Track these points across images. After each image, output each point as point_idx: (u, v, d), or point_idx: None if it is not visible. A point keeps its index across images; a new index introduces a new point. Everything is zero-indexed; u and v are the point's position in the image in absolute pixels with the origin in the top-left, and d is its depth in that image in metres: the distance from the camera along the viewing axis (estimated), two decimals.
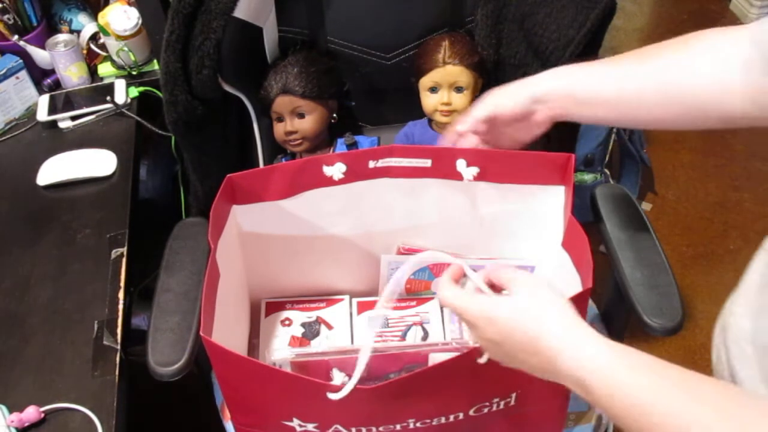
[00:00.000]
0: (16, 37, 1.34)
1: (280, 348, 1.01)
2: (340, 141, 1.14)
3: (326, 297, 1.07)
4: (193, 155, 1.10)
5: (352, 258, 1.02)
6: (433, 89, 1.06)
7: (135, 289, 1.10)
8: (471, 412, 0.80)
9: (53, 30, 1.42)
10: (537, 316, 0.60)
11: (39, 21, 1.39)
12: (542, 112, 0.83)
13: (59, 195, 1.19)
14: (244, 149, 1.16)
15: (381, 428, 0.78)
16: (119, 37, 1.34)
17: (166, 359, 0.86)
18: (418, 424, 0.79)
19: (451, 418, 0.80)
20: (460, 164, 0.89)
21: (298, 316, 1.05)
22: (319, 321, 1.04)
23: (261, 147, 1.15)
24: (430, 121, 1.13)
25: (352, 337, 1.03)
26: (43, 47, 1.36)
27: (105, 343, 0.96)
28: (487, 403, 0.80)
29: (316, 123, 1.09)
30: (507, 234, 0.99)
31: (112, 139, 1.27)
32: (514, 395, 0.80)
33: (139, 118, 1.31)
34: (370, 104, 1.20)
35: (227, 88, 1.05)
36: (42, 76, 1.39)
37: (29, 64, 1.35)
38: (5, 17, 1.34)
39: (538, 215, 0.95)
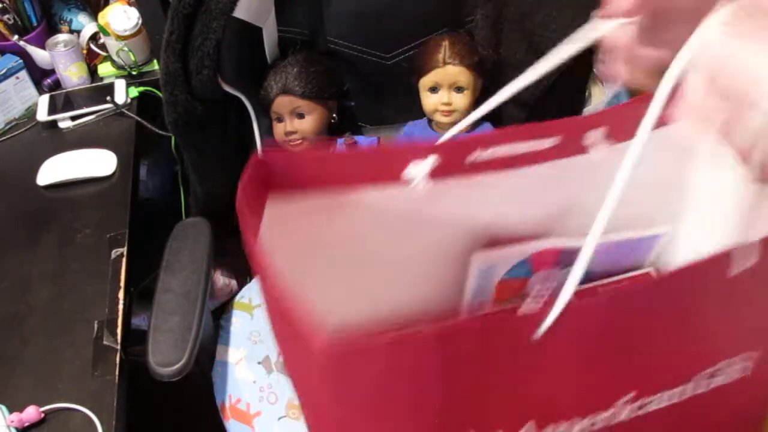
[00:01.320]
0: (16, 37, 1.34)
1: None
2: (339, 141, 1.14)
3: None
4: (192, 155, 1.10)
5: (435, 268, 0.71)
6: (434, 89, 1.06)
7: (135, 289, 1.10)
8: (694, 381, 0.52)
9: (53, 30, 1.42)
10: None
11: (39, 21, 1.38)
12: None
13: (59, 195, 1.19)
14: (244, 149, 1.16)
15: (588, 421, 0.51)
16: (119, 37, 1.34)
17: (166, 359, 0.86)
18: (637, 406, 0.51)
19: (676, 392, 0.52)
20: (594, 135, 0.60)
21: None
22: None
23: (261, 147, 1.15)
24: (430, 121, 1.13)
25: None
26: (43, 47, 1.36)
27: (105, 343, 0.96)
28: (714, 368, 0.53)
29: (316, 123, 1.09)
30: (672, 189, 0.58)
31: (112, 139, 1.27)
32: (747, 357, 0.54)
33: (139, 118, 1.31)
34: (370, 104, 1.20)
35: (227, 88, 1.05)
36: (42, 76, 1.39)
37: (29, 64, 1.35)
38: (5, 17, 1.34)
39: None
